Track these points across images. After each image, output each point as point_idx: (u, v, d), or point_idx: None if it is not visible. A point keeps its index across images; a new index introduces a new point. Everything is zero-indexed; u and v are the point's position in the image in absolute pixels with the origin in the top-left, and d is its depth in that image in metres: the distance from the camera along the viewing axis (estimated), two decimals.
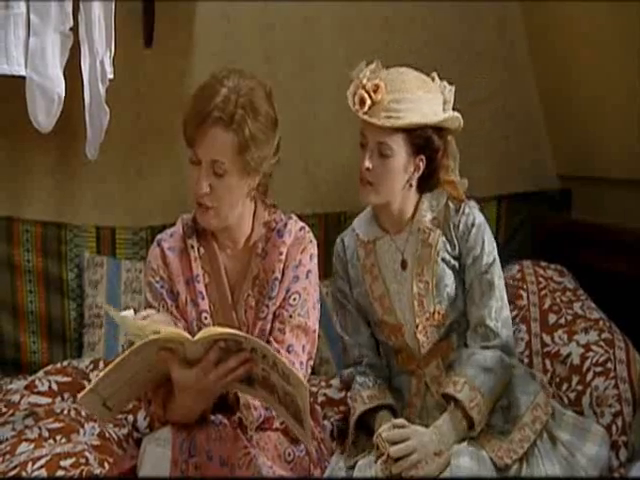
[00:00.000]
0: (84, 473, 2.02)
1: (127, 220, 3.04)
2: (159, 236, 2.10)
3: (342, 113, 3.09)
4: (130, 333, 1.87)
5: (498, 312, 2.08)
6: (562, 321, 2.50)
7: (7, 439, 2.23)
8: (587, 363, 2.31)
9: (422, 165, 2.07)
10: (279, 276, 2.00)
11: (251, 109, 1.92)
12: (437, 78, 2.10)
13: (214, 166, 1.92)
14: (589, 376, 2.28)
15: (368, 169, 2.05)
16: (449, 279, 2.10)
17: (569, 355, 2.38)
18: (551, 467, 1.96)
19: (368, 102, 2.01)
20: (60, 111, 2.54)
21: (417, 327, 2.10)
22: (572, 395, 2.29)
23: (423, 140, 2.04)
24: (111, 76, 2.63)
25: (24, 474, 2.01)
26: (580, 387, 2.28)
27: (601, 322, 2.46)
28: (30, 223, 2.94)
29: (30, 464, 2.03)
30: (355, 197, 3.10)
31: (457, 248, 2.11)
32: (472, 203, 2.15)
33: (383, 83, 2.01)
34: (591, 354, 2.33)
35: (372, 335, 2.23)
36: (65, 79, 2.53)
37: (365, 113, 2.02)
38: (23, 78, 2.48)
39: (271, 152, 1.99)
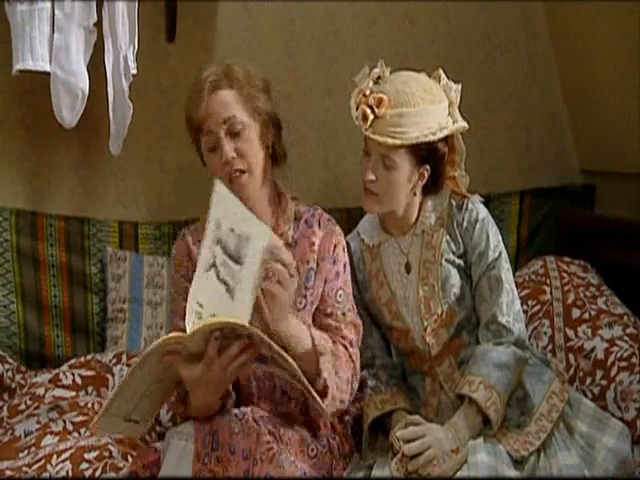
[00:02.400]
0: (108, 466, 2.04)
1: (150, 215, 3.05)
2: (183, 230, 2.12)
3: None
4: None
5: (509, 307, 2.06)
6: (586, 316, 2.49)
7: (32, 432, 2.25)
8: (611, 358, 2.30)
9: (426, 174, 2.04)
10: (314, 266, 2.02)
11: (233, 67, 1.98)
12: (443, 76, 2.04)
13: (230, 127, 1.94)
14: (613, 371, 2.27)
15: (372, 181, 2.02)
16: (455, 279, 2.08)
17: (593, 350, 2.36)
18: (569, 457, 1.95)
19: (371, 117, 1.97)
20: (84, 107, 2.56)
21: (425, 330, 2.09)
22: (596, 390, 2.28)
23: (427, 151, 2.00)
24: (134, 71, 2.64)
25: (49, 466, 2.03)
26: (604, 382, 2.27)
27: (625, 317, 2.45)
28: (54, 218, 2.95)
29: (55, 457, 2.06)
30: None
31: (462, 246, 2.09)
32: (475, 198, 2.12)
33: (386, 97, 1.96)
34: (615, 349, 2.31)
35: (383, 336, 2.22)
36: (89, 74, 2.55)
37: (368, 128, 1.98)
38: (48, 74, 2.50)
39: (272, 109, 2.01)
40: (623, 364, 2.27)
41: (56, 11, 2.48)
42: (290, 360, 1.72)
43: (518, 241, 3.11)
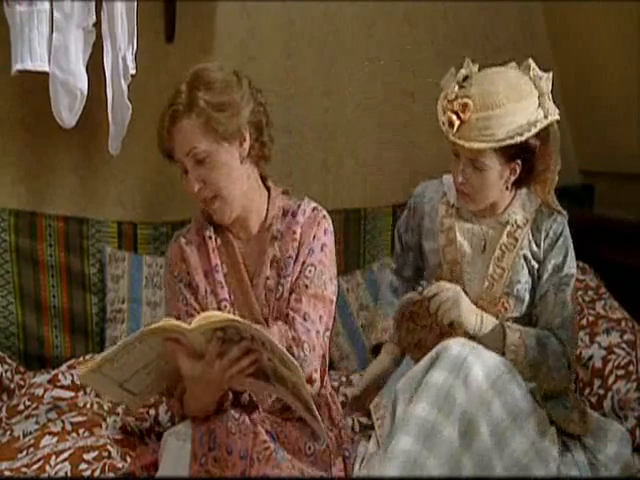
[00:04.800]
0: (107, 467, 2.03)
1: (149, 215, 3.05)
2: (176, 233, 2.14)
3: (363, 108, 3.13)
4: None
5: (567, 326, 2.08)
6: (584, 322, 2.48)
7: (31, 432, 2.25)
8: (609, 366, 2.28)
9: (518, 168, 2.02)
10: (293, 254, 2.01)
11: (200, 82, 1.93)
12: (533, 65, 2.00)
13: (193, 157, 1.93)
14: (611, 379, 2.26)
15: (462, 183, 2.02)
16: (523, 277, 2.09)
17: (591, 358, 2.35)
18: (578, 454, 1.97)
19: (457, 123, 1.95)
20: (83, 107, 2.56)
21: (476, 304, 2.07)
22: (594, 399, 2.25)
23: (518, 149, 1.97)
24: (133, 72, 2.64)
25: (47, 467, 2.03)
26: (602, 391, 2.25)
27: (623, 322, 2.44)
28: (53, 218, 2.95)
29: (54, 457, 2.05)
30: (375, 193, 3.13)
31: (541, 253, 2.09)
32: (563, 216, 2.12)
33: (471, 101, 1.94)
34: (613, 357, 2.30)
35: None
36: (88, 75, 2.55)
37: (455, 134, 1.95)
38: (47, 74, 2.50)
39: (243, 111, 1.96)
40: (620, 372, 2.25)
41: (55, 12, 2.48)
42: (295, 363, 1.71)
43: None
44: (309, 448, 1.95)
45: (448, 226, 2.15)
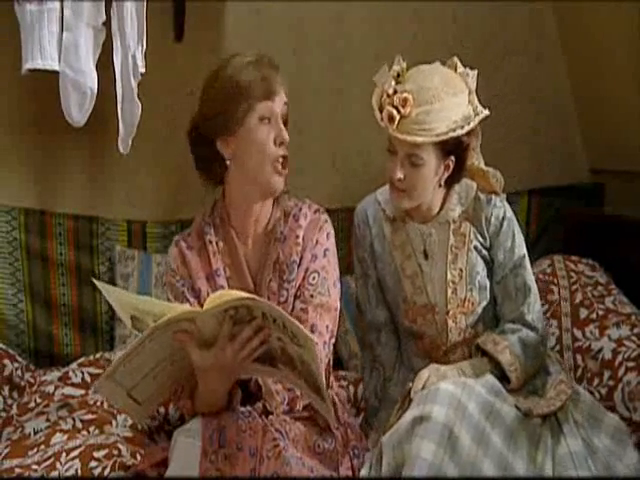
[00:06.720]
0: (116, 464, 2.04)
1: (158, 214, 3.06)
2: (176, 237, 2.13)
3: (372, 108, 3.12)
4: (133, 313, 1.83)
5: (533, 306, 2.11)
6: (593, 316, 2.49)
7: (41, 430, 2.26)
8: (619, 358, 2.30)
9: (451, 165, 2.05)
10: (297, 259, 2.02)
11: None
12: (459, 64, 2.05)
13: (283, 115, 2.08)
14: (621, 371, 2.26)
15: (400, 179, 2.02)
16: (480, 267, 2.11)
17: (600, 350, 2.36)
18: (574, 444, 1.95)
19: (397, 118, 1.96)
20: (93, 106, 2.56)
21: (448, 313, 2.11)
22: (604, 390, 2.27)
23: (453, 144, 2.00)
24: (143, 70, 2.65)
25: (58, 464, 2.03)
26: (612, 382, 2.27)
27: (633, 317, 2.44)
28: (63, 217, 2.96)
29: (64, 455, 2.06)
30: None
31: (488, 240, 2.11)
32: (502, 196, 2.14)
33: (411, 96, 1.96)
34: (623, 349, 2.31)
35: (391, 317, 2.21)
36: (97, 73, 2.55)
37: (395, 129, 1.97)
38: (57, 73, 2.50)
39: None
40: (631, 364, 2.26)
41: (65, 11, 2.48)
42: (309, 336, 1.69)
43: (526, 240, 3.01)
44: (318, 446, 1.96)
45: (401, 241, 2.15)
